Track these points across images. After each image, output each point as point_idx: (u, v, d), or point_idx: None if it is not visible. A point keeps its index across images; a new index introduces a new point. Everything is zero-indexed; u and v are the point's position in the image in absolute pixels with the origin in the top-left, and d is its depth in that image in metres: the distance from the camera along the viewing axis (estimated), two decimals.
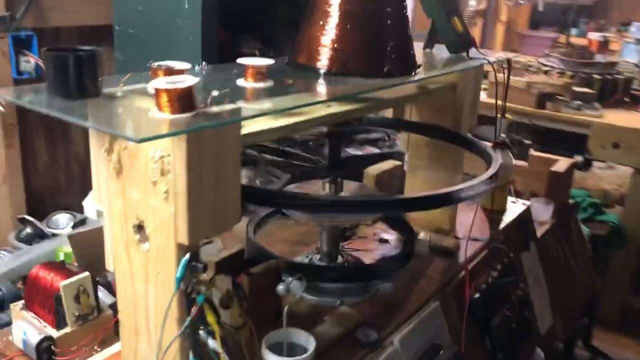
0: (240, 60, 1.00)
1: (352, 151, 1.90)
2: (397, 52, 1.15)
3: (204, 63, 1.11)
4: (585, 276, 2.14)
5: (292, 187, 1.31)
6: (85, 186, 1.69)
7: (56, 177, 1.74)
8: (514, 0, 3.77)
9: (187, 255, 0.83)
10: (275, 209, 1.28)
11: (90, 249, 1.38)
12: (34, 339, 1.16)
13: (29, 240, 1.53)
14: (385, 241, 1.56)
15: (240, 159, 0.86)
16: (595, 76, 3.12)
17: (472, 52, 1.46)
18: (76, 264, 1.37)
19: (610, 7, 5.24)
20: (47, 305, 1.20)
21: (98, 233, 1.14)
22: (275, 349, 0.99)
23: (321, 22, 1.13)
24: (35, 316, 1.22)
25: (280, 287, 0.97)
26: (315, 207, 1.02)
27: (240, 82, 1.00)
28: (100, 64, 0.84)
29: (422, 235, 1.45)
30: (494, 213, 1.76)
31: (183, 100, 0.77)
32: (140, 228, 0.88)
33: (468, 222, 1.67)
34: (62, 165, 1.76)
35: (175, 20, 1.55)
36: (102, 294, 1.30)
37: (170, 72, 0.88)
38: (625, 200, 2.84)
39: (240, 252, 1.11)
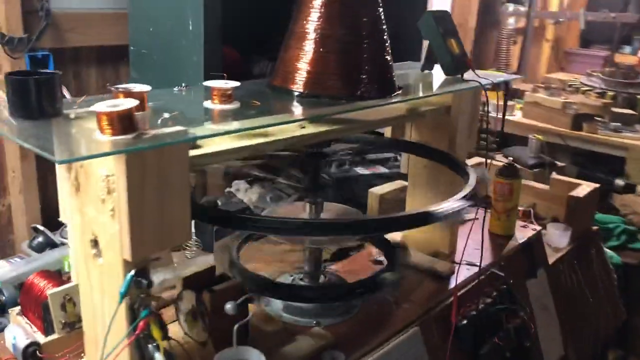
0: (206, 83, 1.03)
1: (360, 170, 1.90)
2: (372, 75, 1.15)
3: (183, 84, 1.15)
4: (607, 306, 2.04)
5: (273, 208, 1.33)
6: None
7: None
8: (554, 18, 3.66)
9: (132, 271, 0.86)
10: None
11: None
12: (22, 343, 1.22)
13: (40, 249, 1.61)
14: (380, 262, 1.55)
15: (189, 179, 0.89)
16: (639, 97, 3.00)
17: (469, 74, 1.44)
18: None
19: None
20: (37, 311, 1.27)
21: None
22: None
23: (297, 46, 1.15)
24: (28, 322, 1.28)
25: (228, 307, 0.99)
26: (262, 228, 1.03)
27: (207, 103, 1.04)
28: (59, 87, 0.89)
29: (410, 256, 1.44)
30: (500, 237, 1.72)
31: (123, 122, 0.80)
32: (95, 243, 0.91)
33: (477, 246, 1.65)
34: None
35: (181, 41, 1.60)
36: None
37: (128, 94, 0.92)
38: None
39: (211, 269, 1.13)
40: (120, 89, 0.92)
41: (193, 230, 1.76)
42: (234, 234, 1.35)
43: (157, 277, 1.38)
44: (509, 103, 3.17)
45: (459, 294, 1.41)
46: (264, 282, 1.18)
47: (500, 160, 2.87)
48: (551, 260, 1.82)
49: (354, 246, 1.63)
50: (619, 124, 2.81)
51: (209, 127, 0.91)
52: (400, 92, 1.23)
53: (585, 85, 3.16)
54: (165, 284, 1.40)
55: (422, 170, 1.54)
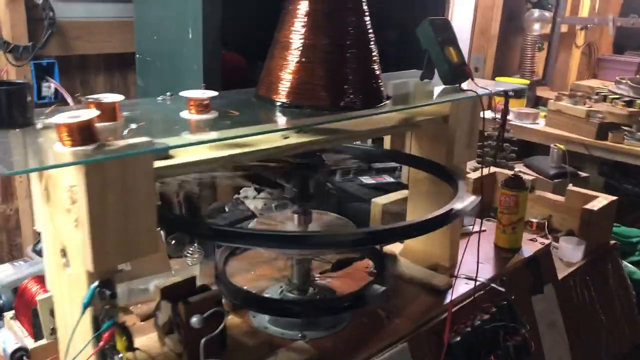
0: (182, 93, 1.02)
1: (365, 180, 1.88)
2: (357, 85, 1.13)
3: (168, 93, 1.15)
4: (624, 324, 1.95)
5: (261, 218, 1.31)
6: None
7: None
8: (582, 23, 3.56)
9: (96, 282, 0.86)
10: None
11: None
12: (10, 348, 1.23)
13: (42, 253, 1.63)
14: (374, 274, 1.52)
15: (154, 189, 0.88)
16: None
17: (468, 83, 1.40)
18: None
19: None
20: (28, 316, 1.28)
21: None
22: None
23: (280, 55, 1.14)
24: (20, 326, 1.30)
25: (194, 320, 0.98)
26: (230, 239, 1.01)
27: (184, 114, 1.03)
28: (30, 97, 0.89)
29: (401, 268, 1.40)
30: (504, 251, 1.67)
31: (82, 133, 0.80)
32: (64, 253, 0.92)
33: (480, 259, 1.60)
34: None
35: (182, 50, 1.61)
36: None
37: (98, 104, 0.92)
38: None
39: (191, 280, 1.13)
40: (90, 100, 0.92)
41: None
42: None
43: (152, 284, 1.39)
44: (532, 111, 3.09)
45: (454, 309, 1.37)
46: (243, 295, 1.16)
47: (521, 170, 2.80)
48: (562, 275, 1.76)
49: (356, 256, 1.60)
50: None
51: (178, 138, 0.90)
52: (387, 102, 1.20)
53: (613, 92, 3.06)
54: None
55: (422, 181, 1.50)
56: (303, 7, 1.11)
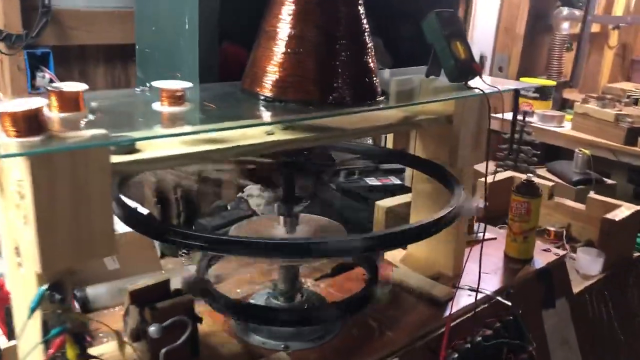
0: (155, 83, 0.95)
1: (371, 181, 1.79)
2: (348, 80, 1.05)
3: (148, 85, 1.08)
4: None
5: (245, 221, 1.24)
6: None
7: None
8: (613, 22, 3.39)
9: (45, 285, 0.80)
10: None
11: None
12: None
13: None
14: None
15: (111, 186, 0.81)
16: None
17: (476, 81, 1.30)
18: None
19: None
20: (1, 315, 1.23)
21: None
22: None
23: (265, 45, 1.06)
24: None
25: (152, 329, 0.91)
26: (186, 241, 0.94)
27: (156, 105, 0.96)
28: None
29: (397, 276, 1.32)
30: (515, 261, 1.56)
31: (28, 123, 0.74)
32: (18, 251, 0.86)
33: (487, 269, 1.50)
34: None
35: (179, 41, 1.55)
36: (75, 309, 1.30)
37: (59, 94, 0.86)
38: None
39: (163, 283, 1.06)
40: (51, 88, 0.86)
41: None
42: None
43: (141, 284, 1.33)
44: (557, 113, 2.95)
45: (453, 323, 1.28)
46: (221, 300, 1.09)
47: (543, 175, 2.67)
48: (577, 289, 1.64)
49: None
50: None
51: (140, 131, 0.83)
52: (383, 98, 1.11)
53: None
54: None
55: (426, 184, 1.41)
56: None
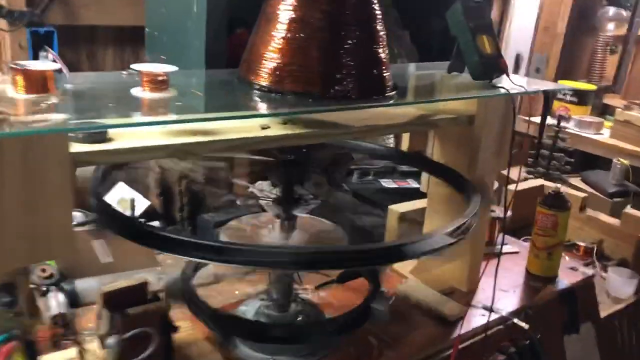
0: (134, 66, 0.86)
1: (386, 183, 1.67)
2: (353, 71, 0.93)
3: (131, 67, 0.99)
4: None
5: (238, 221, 1.14)
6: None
7: None
8: None
9: None
10: None
11: None
12: None
13: None
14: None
15: (71, 178, 0.72)
16: None
17: (502, 79, 1.18)
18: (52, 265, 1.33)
19: None
20: None
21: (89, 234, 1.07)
22: None
23: (264, 30, 0.95)
24: None
25: (109, 342, 0.81)
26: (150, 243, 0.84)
27: (136, 90, 0.87)
28: None
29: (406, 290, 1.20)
30: (537, 279, 1.43)
31: None
32: None
33: (506, 286, 1.38)
34: None
35: (187, 24, 1.46)
36: (60, 303, 1.22)
37: (25, 73, 0.77)
38: None
39: (140, 286, 0.97)
40: (14, 66, 0.77)
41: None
42: None
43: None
44: (596, 120, 2.78)
45: (462, 345, 1.16)
46: (200, 309, 0.99)
47: (574, 184, 2.51)
48: (605, 312, 1.50)
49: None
50: None
51: (109, 119, 0.74)
52: (393, 93, 1.00)
53: None
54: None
55: (441, 189, 1.29)
56: None
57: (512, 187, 1.86)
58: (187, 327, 1.03)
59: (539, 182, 1.99)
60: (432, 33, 1.96)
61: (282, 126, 0.96)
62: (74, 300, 1.27)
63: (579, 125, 2.73)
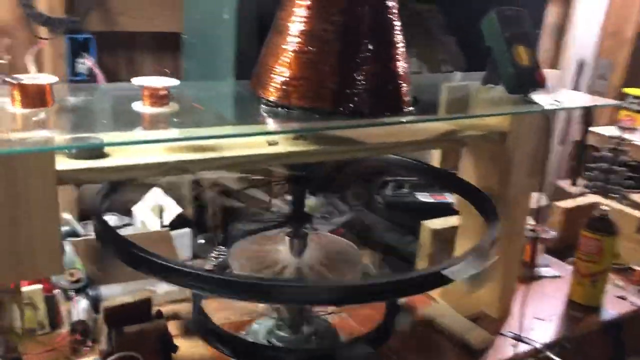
0: (135, 80, 0.84)
1: (422, 197, 1.60)
2: (365, 86, 0.88)
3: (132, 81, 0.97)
4: None
5: (248, 239, 1.11)
6: (143, 191, 1.66)
7: None
8: None
9: None
10: None
11: (96, 257, 1.36)
12: None
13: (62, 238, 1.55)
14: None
15: (56, 195, 0.71)
16: None
17: (539, 94, 1.09)
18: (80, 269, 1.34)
19: None
20: None
21: None
22: None
23: (273, 42, 0.92)
24: None
25: None
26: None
27: (137, 105, 0.85)
28: None
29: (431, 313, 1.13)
30: (579, 308, 1.32)
31: None
32: None
33: (542, 313, 1.29)
34: None
35: (218, 31, 1.44)
36: (82, 310, 1.23)
37: (21, 87, 0.77)
38: None
39: (144, 302, 0.95)
40: (9, 79, 0.77)
41: None
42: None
43: (161, 285, 1.25)
44: None
45: None
46: (202, 327, 0.97)
47: (636, 201, 2.33)
48: None
49: None
50: None
51: (101, 135, 0.72)
52: (411, 109, 0.93)
53: None
54: (171, 296, 1.26)
55: (473, 207, 1.21)
56: None
57: (562, 203, 1.76)
58: (189, 345, 1.00)
59: (594, 198, 1.86)
60: (481, 39, 1.87)
61: (292, 142, 0.92)
62: (98, 306, 1.28)
63: None
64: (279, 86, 0.89)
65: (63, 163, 0.74)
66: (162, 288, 1.30)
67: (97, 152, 0.78)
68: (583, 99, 1.17)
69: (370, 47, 0.88)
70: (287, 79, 0.89)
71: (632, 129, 2.54)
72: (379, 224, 1.59)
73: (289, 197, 1.83)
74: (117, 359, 0.81)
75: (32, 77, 0.78)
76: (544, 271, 1.48)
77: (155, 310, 0.95)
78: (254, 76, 0.95)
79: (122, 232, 1.54)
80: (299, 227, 1.02)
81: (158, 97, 0.83)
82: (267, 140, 0.91)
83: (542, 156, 1.17)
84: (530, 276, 1.44)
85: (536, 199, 1.32)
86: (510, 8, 1.14)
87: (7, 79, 0.77)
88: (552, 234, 1.53)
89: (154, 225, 1.62)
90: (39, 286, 1.15)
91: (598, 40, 2.77)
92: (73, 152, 0.76)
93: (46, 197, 0.70)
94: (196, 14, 1.57)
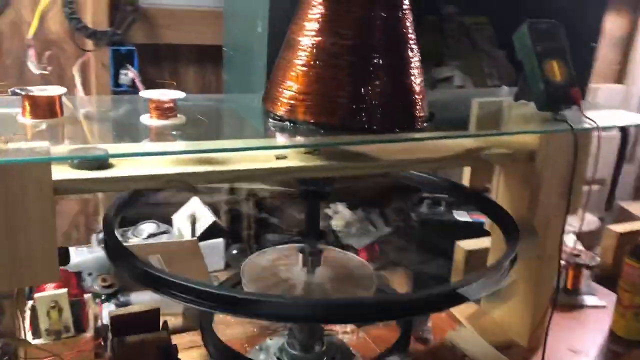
0: (142, 93, 0.85)
1: (459, 216, 1.54)
2: (378, 101, 0.85)
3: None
4: None
5: (256, 254, 1.09)
6: (184, 199, 1.69)
7: None
8: None
9: None
10: None
11: None
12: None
13: (99, 243, 1.59)
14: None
15: (53, 205, 0.72)
16: None
17: (572, 111, 1.02)
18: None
19: None
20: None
21: (144, 249, 1.11)
22: None
23: (284, 56, 0.91)
24: None
25: None
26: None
27: (144, 118, 0.86)
28: None
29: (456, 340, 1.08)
30: (621, 342, 1.23)
31: None
32: None
33: (577, 346, 1.21)
34: None
35: (253, 44, 1.45)
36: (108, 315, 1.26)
37: (30, 98, 0.79)
38: None
39: (152, 312, 0.95)
40: (20, 91, 0.79)
41: None
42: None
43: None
44: None
45: None
46: (210, 344, 0.96)
47: None
48: None
49: None
50: None
51: (104, 147, 0.73)
52: (425, 125, 0.90)
53: None
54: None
55: None
56: None
57: (616, 226, 1.65)
58: (193, 356, 1.00)
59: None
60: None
61: (301, 156, 0.90)
62: None
63: None
64: (286, 100, 0.88)
65: (64, 173, 0.75)
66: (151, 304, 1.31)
67: (99, 162, 0.79)
68: (626, 119, 1.09)
69: (381, 61, 0.86)
70: (295, 93, 0.87)
71: None
72: (412, 242, 1.55)
73: (323, 212, 1.83)
74: None
75: (42, 89, 0.81)
76: (587, 300, 1.39)
77: (162, 322, 0.95)
78: (265, 90, 0.94)
79: (153, 240, 1.58)
80: (313, 244, 1.00)
81: (164, 110, 0.84)
82: (276, 154, 0.90)
83: (613, 176, 1.10)
84: (571, 304, 1.35)
85: (585, 222, 1.24)
86: (545, 21, 1.08)
87: (18, 90, 0.79)
88: (596, 260, 1.43)
89: (188, 234, 1.64)
90: (64, 290, 1.19)
91: None
92: (75, 162, 0.77)
93: (43, 205, 0.71)
94: (234, 27, 1.59)
